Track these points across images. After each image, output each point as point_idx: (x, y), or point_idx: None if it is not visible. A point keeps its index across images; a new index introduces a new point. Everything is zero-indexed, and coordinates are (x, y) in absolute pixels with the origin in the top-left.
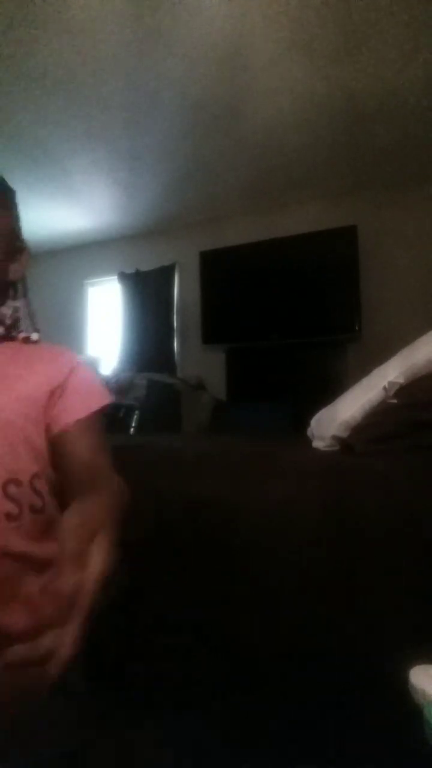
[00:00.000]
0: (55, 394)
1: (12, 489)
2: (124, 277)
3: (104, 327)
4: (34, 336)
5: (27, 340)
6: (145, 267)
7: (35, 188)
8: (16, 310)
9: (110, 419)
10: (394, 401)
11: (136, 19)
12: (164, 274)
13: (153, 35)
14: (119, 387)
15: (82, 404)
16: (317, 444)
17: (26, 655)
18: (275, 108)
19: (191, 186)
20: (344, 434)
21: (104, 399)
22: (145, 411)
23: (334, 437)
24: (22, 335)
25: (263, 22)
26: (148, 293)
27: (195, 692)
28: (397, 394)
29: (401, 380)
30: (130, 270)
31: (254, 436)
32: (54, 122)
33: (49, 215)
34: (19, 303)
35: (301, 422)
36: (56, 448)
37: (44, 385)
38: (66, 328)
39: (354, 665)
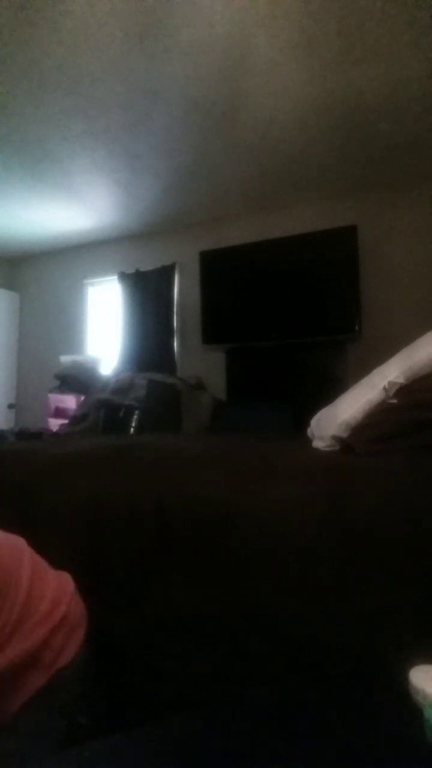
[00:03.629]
0: None
1: None
2: (124, 277)
3: (104, 327)
4: None
5: None
6: (145, 267)
7: (35, 188)
8: None
9: (110, 419)
10: (394, 401)
11: (136, 19)
12: (164, 274)
13: (153, 35)
14: (119, 387)
15: None
16: (317, 444)
17: None
18: (276, 108)
19: (191, 186)
20: (344, 434)
21: None
22: (145, 411)
23: (335, 437)
24: None
25: (264, 23)
26: (148, 293)
27: (195, 692)
28: (397, 394)
29: (401, 380)
30: (130, 270)
31: (254, 436)
32: (54, 122)
33: (49, 215)
34: None
35: (301, 422)
36: None
37: None
38: (66, 328)
39: (354, 665)
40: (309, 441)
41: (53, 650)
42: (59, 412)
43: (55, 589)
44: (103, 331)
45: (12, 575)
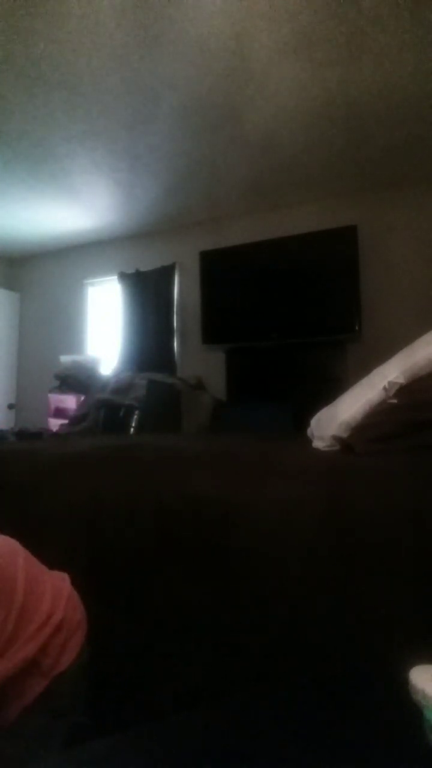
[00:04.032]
0: None
1: None
2: (124, 277)
3: (104, 327)
4: None
5: None
6: (145, 267)
7: (35, 188)
8: None
9: (110, 419)
10: (394, 401)
11: (136, 19)
12: (164, 274)
13: (153, 35)
14: (119, 387)
15: None
16: (317, 444)
17: None
18: (275, 108)
19: (191, 186)
20: (344, 434)
21: None
22: (145, 411)
23: (335, 437)
24: None
25: (263, 22)
26: (148, 293)
27: (195, 692)
28: (397, 394)
29: (401, 380)
30: (130, 270)
31: (254, 436)
32: (54, 122)
33: (49, 215)
34: None
35: (301, 422)
36: None
37: None
38: (66, 328)
39: (354, 665)
40: (309, 441)
41: (51, 656)
42: (59, 412)
43: (52, 593)
44: (103, 331)
45: (7, 581)
